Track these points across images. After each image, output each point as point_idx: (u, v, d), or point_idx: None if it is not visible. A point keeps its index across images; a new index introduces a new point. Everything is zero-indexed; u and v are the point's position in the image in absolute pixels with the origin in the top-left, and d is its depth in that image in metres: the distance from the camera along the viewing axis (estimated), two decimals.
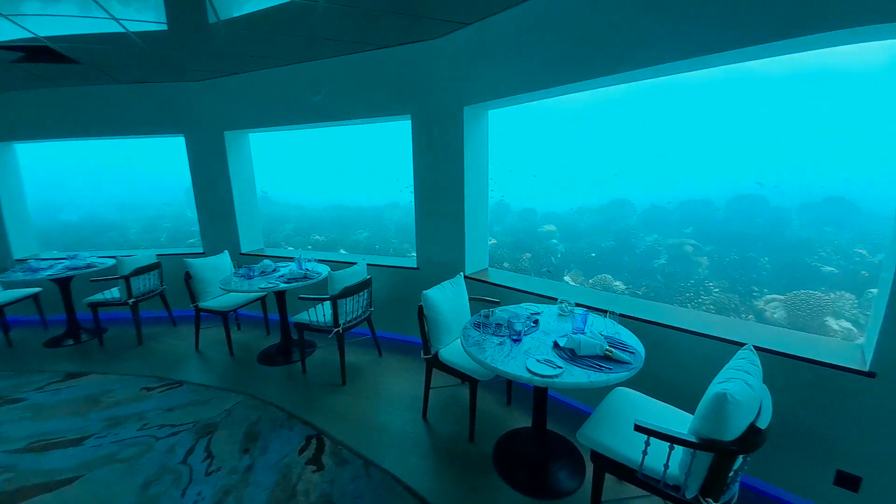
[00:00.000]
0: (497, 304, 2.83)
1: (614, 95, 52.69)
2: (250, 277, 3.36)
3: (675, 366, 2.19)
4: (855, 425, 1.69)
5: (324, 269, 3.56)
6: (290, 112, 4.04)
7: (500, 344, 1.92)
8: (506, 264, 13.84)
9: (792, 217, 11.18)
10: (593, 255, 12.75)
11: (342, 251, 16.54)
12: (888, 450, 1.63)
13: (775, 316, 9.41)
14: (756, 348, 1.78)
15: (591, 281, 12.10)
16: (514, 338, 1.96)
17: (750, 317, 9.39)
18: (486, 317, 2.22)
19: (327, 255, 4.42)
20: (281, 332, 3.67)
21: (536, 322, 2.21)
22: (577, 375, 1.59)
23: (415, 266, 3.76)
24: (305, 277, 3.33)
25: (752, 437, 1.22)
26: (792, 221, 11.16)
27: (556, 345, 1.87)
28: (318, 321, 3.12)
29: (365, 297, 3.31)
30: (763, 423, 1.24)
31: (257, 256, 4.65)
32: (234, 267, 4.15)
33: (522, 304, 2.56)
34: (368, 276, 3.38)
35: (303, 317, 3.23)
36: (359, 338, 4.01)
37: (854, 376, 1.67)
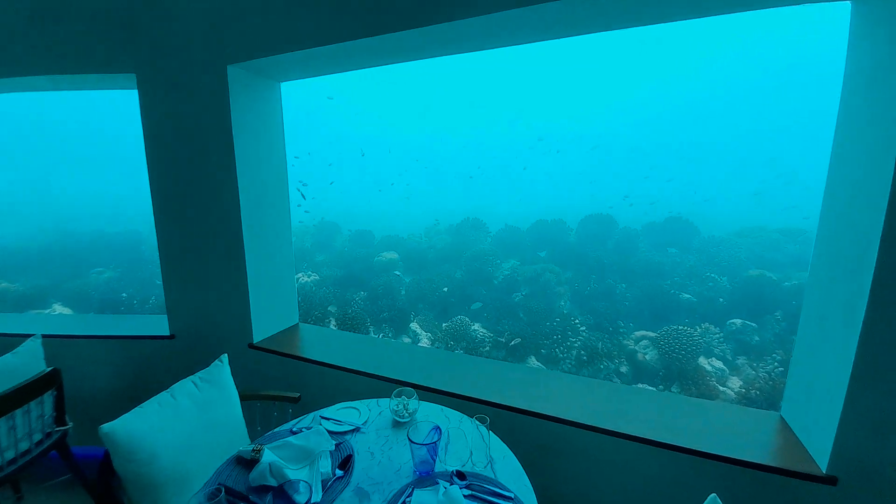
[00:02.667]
0: (296, 400, 1.84)
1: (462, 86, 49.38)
2: None
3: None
4: None
5: None
6: None
7: None
8: (332, 309, 9.54)
9: (639, 238, 10.23)
10: (445, 289, 9.64)
11: (56, 306, 9.67)
12: None
13: (647, 357, 7.71)
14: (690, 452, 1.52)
15: (445, 325, 8.85)
16: None
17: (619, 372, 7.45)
18: (246, 460, 1.26)
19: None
20: None
21: (347, 466, 1.26)
22: None
23: (167, 334, 2.59)
24: None
25: None
26: (640, 243, 10.21)
27: None
28: None
29: (41, 410, 1.87)
30: None
31: None
32: None
33: (335, 407, 1.64)
34: (49, 369, 1.88)
35: None
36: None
37: (809, 485, 1.38)
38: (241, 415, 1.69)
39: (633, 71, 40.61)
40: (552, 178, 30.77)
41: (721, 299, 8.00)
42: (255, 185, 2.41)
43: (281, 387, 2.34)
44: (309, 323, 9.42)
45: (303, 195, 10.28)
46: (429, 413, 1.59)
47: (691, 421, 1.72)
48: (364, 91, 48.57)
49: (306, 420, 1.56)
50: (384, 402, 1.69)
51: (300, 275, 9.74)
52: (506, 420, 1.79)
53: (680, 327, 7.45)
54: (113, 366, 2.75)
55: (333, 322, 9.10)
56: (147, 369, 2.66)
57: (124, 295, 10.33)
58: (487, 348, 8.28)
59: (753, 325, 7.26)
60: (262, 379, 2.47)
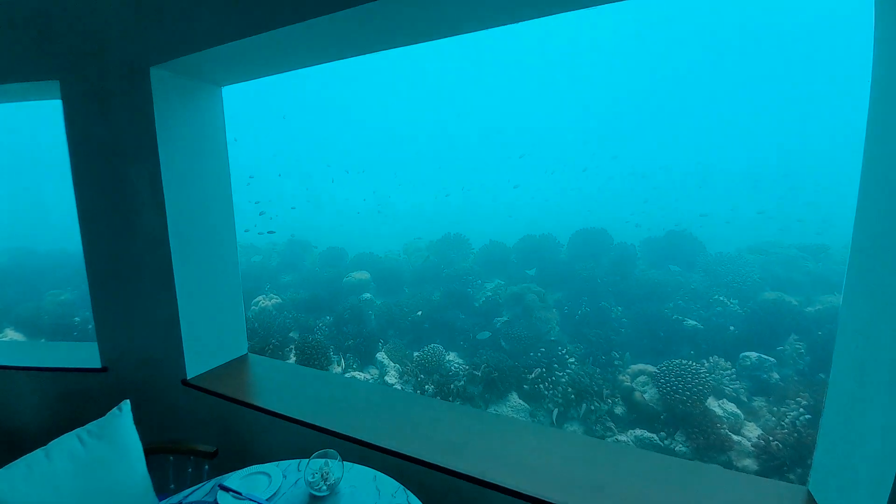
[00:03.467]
0: (212, 455, 1.66)
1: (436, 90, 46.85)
2: None
3: None
4: None
5: None
6: None
7: None
8: (293, 335, 8.60)
9: (637, 255, 9.17)
10: (419, 313, 8.63)
11: (8, 331, 9.01)
12: None
13: (645, 396, 6.57)
14: None
15: (416, 355, 7.84)
16: None
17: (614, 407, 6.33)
18: None
19: None
20: None
21: None
22: None
23: (99, 367, 2.41)
24: None
25: None
26: (637, 260, 9.14)
27: None
28: None
29: None
30: None
31: None
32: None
33: (243, 472, 1.44)
34: None
35: None
36: None
37: None
38: (146, 474, 1.46)
39: (630, 74, 39.25)
40: (541, 192, 29.76)
41: (732, 327, 6.86)
42: (189, 202, 2.19)
43: (216, 434, 2.14)
44: (267, 352, 8.47)
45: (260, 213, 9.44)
46: (358, 482, 1.36)
47: (691, 498, 1.41)
48: (338, 100, 46.91)
49: (201, 491, 1.34)
50: (309, 464, 1.38)
51: (260, 298, 8.86)
52: (462, 493, 1.54)
53: (684, 361, 6.33)
54: (42, 400, 2.50)
55: (293, 351, 8.14)
56: (80, 406, 2.37)
57: (77, 319, 9.54)
58: (462, 383, 7.21)
59: (771, 359, 6.11)
60: (196, 423, 2.22)
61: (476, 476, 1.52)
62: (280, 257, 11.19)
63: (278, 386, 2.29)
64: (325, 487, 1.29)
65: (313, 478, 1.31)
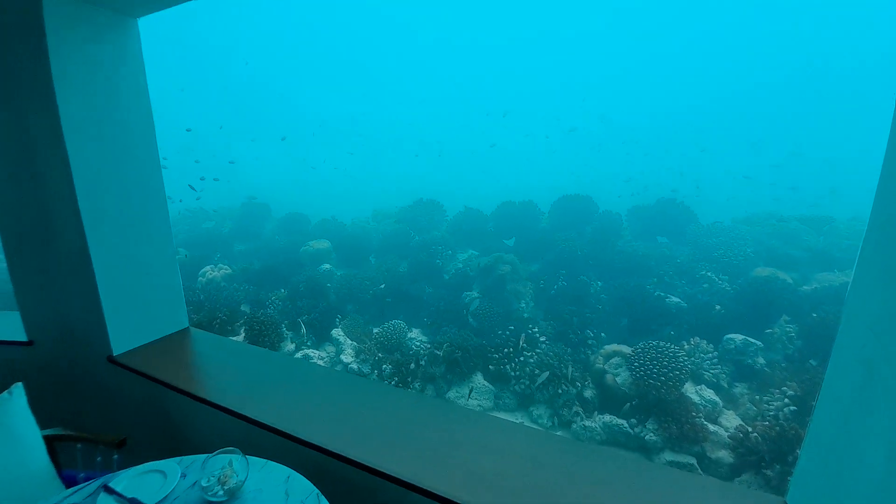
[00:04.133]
0: (119, 444, 1.58)
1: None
2: None
3: None
4: None
5: None
6: None
7: None
8: (245, 309, 7.95)
9: (622, 224, 8.41)
10: (382, 286, 7.94)
11: None
12: None
13: (618, 380, 6.06)
14: None
15: (376, 332, 7.24)
16: None
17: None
18: None
19: None
20: None
21: None
22: None
23: (25, 339, 2.22)
24: None
25: None
26: (623, 230, 8.40)
27: None
28: None
29: None
30: None
31: None
32: None
33: (137, 470, 1.33)
34: None
35: None
36: None
37: None
38: (47, 462, 1.40)
39: (619, 30, 36.09)
40: (526, 154, 27.90)
41: (718, 306, 6.25)
42: (101, 157, 1.87)
43: (142, 418, 2.02)
44: (215, 326, 7.80)
45: (191, 188, 8.39)
46: (267, 484, 1.22)
47: None
48: (302, 51, 40.74)
49: (84, 492, 1.20)
50: (207, 464, 1.23)
51: (208, 268, 8.10)
52: (389, 495, 1.40)
53: (662, 343, 5.75)
54: None
55: (243, 326, 7.50)
56: (4, 384, 1.99)
57: None
58: (423, 363, 6.65)
59: (758, 343, 5.55)
60: (122, 405, 2.09)
61: (407, 480, 1.38)
62: (234, 223, 10.29)
63: (216, 367, 2.12)
64: (221, 493, 1.17)
65: (208, 482, 1.19)
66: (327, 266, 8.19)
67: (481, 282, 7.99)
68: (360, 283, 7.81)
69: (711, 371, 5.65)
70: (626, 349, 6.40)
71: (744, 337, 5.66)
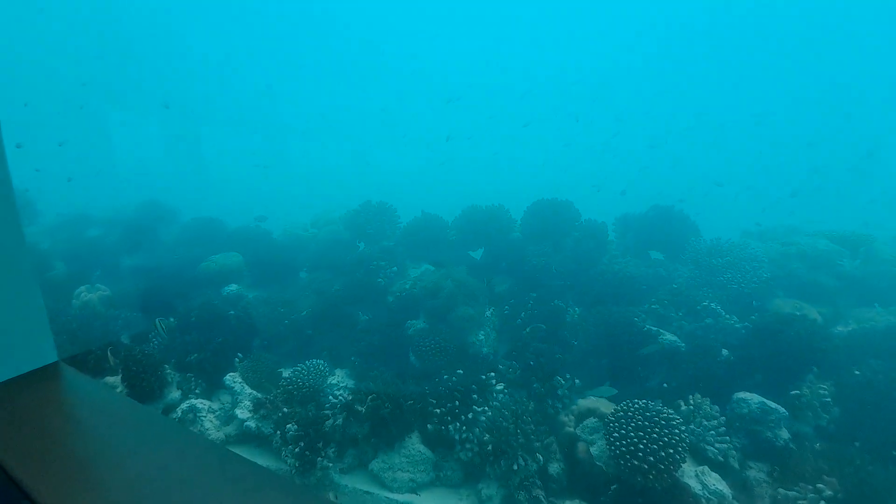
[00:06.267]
0: None
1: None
2: None
3: None
4: None
5: None
6: None
7: None
8: (125, 341, 6.47)
9: (608, 235, 7.09)
10: (304, 312, 6.49)
11: None
12: None
13: (593, 451, 4.71)
14: None
15: (287, 376, 5.80)
16: None
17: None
18: None
19: None
20: None
21: None
22: None
23: None
24: None
25: None
26: (608, 244, 7.07)
27: None
28: None
29: None
30: None
31: None
32: None
33: None
34: None
35: None
36: None
37: None
38: None
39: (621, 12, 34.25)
40: (501, 150, 25.66)
41: (725, 350, 4.94)
42: None
43: None
44: (89, 363, 6.35)
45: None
46: None
47: None
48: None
49: None
50: None
51: (83, 289, 6.58)
52: None
53: (651, 404, 4.41)
54: None
55: (120, 366, 6.00)
56: None
57: None
58: (340, 421, 5.21)
59: (780, 409, 4.25)
60: None
61: None
62: (124, 230, 8.71)
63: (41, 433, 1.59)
64: None
65: None
66: (233, 287, 6.73)
67: (428, 306, 6.58)
68: (274, 309, 6.34)
69: (717, 445, 4.31)
70: (605, 406, 5.04)
71: (760, 399, 4.34)
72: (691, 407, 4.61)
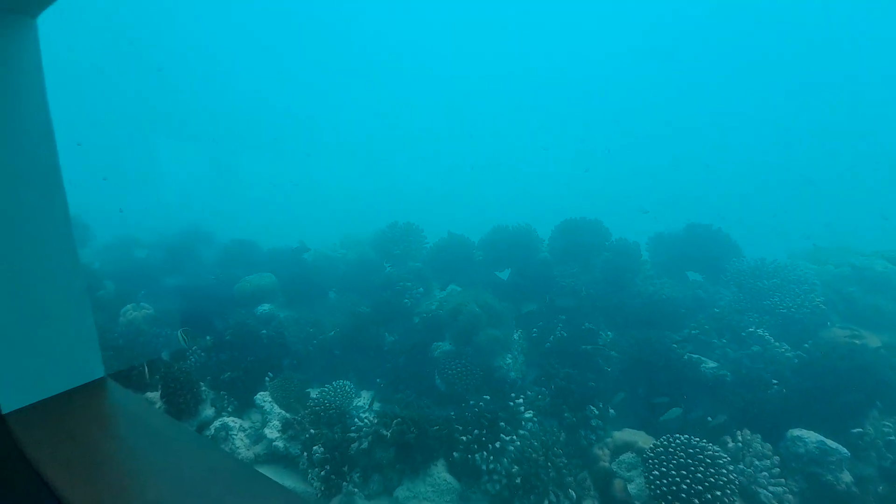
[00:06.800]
0: None
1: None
2: None
3: None
4: None
5: None
6: None
7: None
8: (165, 357, 6.80)
9: (641, 255, 6.86)
10: (332, 333, 6.61)
11: None
12: None
13: (630, 489, 4.43)
14: None
15: (315, 396, 5.88)
16: None
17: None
18: None
19: None
20: None
21: None
22: None
23: None
24: None
25: None
26: (642, 264, 6.84)
27: None
28: None
29: None
30: None
31: None
32: None
33: None
34: None
35: None
36: None
37: None
38: None
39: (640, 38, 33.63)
40: (528, 169, 25.55)
41: (775, 382, 4.58)
42: None
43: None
44: (133, 378, 6.70)
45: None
46: None
47: None
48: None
49: None
50: None
51: (129, 307, 7.01)
52: None
53: (695, 440, 4.13)
54: None
55: (160, 381, 6.29)
56: None
57: None
58: (365, 445, 5.19)
59: (842, 449, 3.86)
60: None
61: None
62: (168, 252, 9.27)
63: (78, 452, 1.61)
64: None
65: None
66: (266, 307, 6.96)
67: (454, 328, 6.52)
68: (303, 329, 6.49)
69: (771, 488, 3.94)
70: (643, 440, 4.75)
71: (819, 437, 3.96)
72: (740, 444, 4.26)
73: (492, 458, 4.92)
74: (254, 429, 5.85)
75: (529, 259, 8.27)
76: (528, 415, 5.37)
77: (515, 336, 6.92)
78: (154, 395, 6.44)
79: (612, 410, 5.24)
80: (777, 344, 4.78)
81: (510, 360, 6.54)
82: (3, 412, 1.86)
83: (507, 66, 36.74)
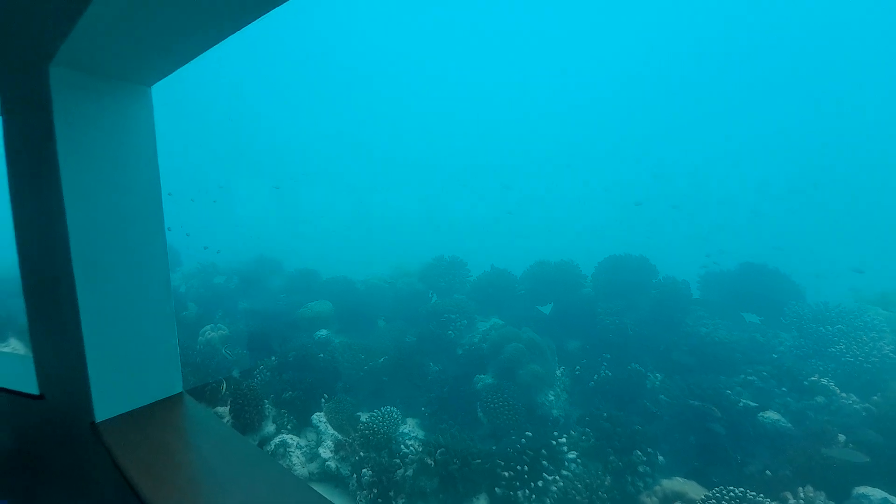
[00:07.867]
0: None
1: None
2: None
3: None
4: None
5: None
6: None
7: None
8: (236, 374, 7.54)
9: (691, 295, 6.71)
10: (382, 359, 7.04)
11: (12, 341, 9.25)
12: None
13: None
14: None
15: (364, 419, 6.27)
16: None
17: None
18: None
19: None
20: None
21: None
22: None
23: (36, 393, 2.32)
24: None
25: None
26: (692, 304, 6.68)
27: None
28: None
29: None
30: None
31: None
32: None
33: None
34: None
35: None
36: None
37: None
38: None
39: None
40: (571, 207, 25.44)
41: (842, 436, 4.30)
42: (102, 221, 1.99)
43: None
44: (206, 393, 7.47)
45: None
46: None
47: None
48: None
49: None
50: None
51: (208, 328, 7.92)
52: None
53: (752, 494, 3.95)
54: None
55: (229, 397, 7.00)
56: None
57: None
58: (410, 472, 5.41)
59: None
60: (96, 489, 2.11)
61: None
62: (241, 279, 10.35)
63: (149, 460, 1.80)
64: None
65: None
66: (324, 332, 7.57)
67: (500, 361, 6.69)
68: (355, 355, 6.98)
69: None
70: (694, 491, 4.57)
71: (884, 495, 3.67)
72: (801, 502, 4.03)
73: (534, 496, 4.94)
74: (309, 447, 6.29)
75: (572, 295, 8.31)
76: (571, 455, 5.34)
77: (558, 372, 6.93)
78: (223, 410, 7.14)
79: (660, 457, 5.10)
80: (843, 395, 4.46)
81: (552, 398, 6.55)
82: (97, 421, 2.04)
83: (563, 100, 37.88)
